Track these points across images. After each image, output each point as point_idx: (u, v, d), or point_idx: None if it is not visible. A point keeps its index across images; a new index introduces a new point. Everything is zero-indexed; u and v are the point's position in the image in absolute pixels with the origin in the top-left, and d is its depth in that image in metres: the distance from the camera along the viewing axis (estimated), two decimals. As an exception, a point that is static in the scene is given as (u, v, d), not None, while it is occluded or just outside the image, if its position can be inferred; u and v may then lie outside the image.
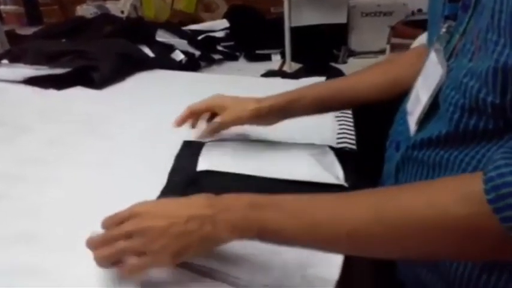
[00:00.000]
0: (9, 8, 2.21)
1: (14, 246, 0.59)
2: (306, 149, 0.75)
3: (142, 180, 0.72)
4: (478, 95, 0.42)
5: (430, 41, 0.62)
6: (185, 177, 0.69)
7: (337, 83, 0.76)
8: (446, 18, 0.53)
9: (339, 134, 0.85)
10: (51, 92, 1.17)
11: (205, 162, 0.71)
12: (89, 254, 0.56)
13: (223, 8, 2.09)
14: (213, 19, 1.94)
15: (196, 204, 0.46)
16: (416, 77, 0.59)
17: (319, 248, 0.45)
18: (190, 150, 0.76)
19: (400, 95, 0.66)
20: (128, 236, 0.45)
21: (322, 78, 1.23)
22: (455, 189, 0.38)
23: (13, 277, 0.53)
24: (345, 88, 0.74)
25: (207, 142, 0.78)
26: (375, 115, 0.73)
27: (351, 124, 0.87)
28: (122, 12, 1.96)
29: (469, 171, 0.44)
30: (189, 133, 0.81)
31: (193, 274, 0.51)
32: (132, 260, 0.45)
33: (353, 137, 0.84)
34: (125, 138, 0.90)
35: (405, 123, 0.59)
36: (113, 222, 0.48)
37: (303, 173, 0.67)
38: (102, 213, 0.64)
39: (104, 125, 0.97)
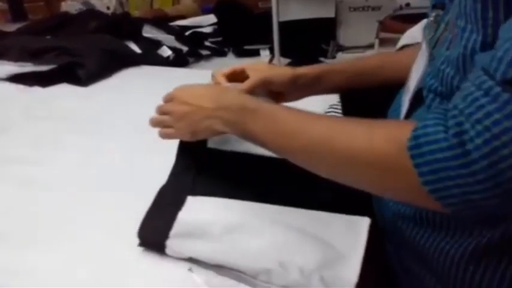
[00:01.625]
0: (-7, 4, 2.17)
1: None
2: None
3: (132, 177, 0.71)
4: (452, 81, 0.43)
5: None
6: (193, 158, 0.66)
7: (376, 59, 0.76)
8: (434, 7, 0.54)
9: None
10: (36, 90, 1.14)
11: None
12: (75, 254, 0.56)
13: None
14: (179, 11, 1.91)
15: (208, 97, 0.57)
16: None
17: (284, 155, 0.51)
18: None
19: None
20: (165, 113, 0.62)
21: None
22: (387, 130, 0.43)
23: None
24: (388, 63, 0.72)
25: None
26: (366, 108, 0.72)
27: (339, 108, 0.86)
28: (108, 8, 1.93)
29: None
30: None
31: (211, 272, 0.51)
32: (164, 130, 0.63)
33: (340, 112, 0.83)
34: (112, 136, 0.88)
35: (398, 114, 0.59)
36: (164, 99, 0.65)
37: None
38: (88, 212, 0.64)
39: (91, 123, 0.95)
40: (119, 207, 0.64)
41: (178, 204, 0.56)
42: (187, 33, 1.62)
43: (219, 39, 1.69)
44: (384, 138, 0.42)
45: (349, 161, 0.44)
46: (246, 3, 1.91)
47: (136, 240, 0.54)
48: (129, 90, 1.16)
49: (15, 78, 1.18)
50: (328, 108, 0.84)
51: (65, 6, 2.03)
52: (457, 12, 0.42)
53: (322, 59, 1.50)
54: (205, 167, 0.65)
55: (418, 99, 0.52)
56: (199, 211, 0.56)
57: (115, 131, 0.91)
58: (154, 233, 0.54)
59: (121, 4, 1.98)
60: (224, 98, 0.56)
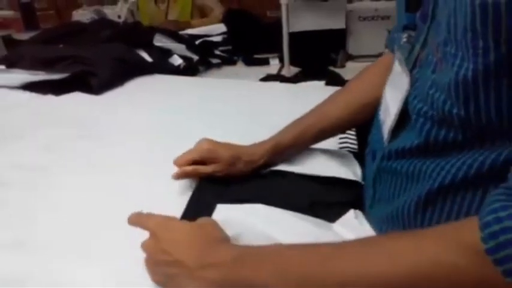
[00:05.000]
0: (6, 13, 2.20)
1: (6, 253, 0.58)
2: (322, 149, 0.75)
3: (142, 186, 0.72)
4: (444, 106, 0.42)
5: (391, 47, 0.64)
6: None
7: (305, 120, 0.72)
8: (405, 27, 0.53)
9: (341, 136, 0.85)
10: (49, 98, 1.16)
11: None
12: (84, 261, 0.56)
13: (218, 10, 2.08)
14: (205, 25, 1.93)
15: (191, 249, 0.47)
16: (384, 85, 0.59)
17: None
18: None
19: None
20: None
21: (321, 83, 1.23)
22: (446, 236, 0.35)
23: (4, 286, 0.52)
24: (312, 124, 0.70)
25: None
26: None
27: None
28: (119, 17, 1.96)
29: (439, 181, 0.44)
30: (191, 138, 0.80)
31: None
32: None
33: (354, 137, 0.84)
34: (123, 143, 0.89)
35: (379, 132, 0.58)
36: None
37: (320, 168, 0.67)
38: (97, 221, 0.64)
39: (102, 131, 0.96)
40: (128, 212, 0.64)
41: (209, 211, 0.58)
42: (197, 42, 1.63)
43: (229, 47, 1.70)
44: (444, 246, 0.34)
45: (406, 284, 0.35)
46: (254, 12, 1.92)
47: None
48: (142, 98, 1.17)
49: (29, 87, 1.20)
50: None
51: (76, 15, 2.06)
52: (445, 38, 0.41)
53: (331, 68, 1.50)
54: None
55: (400, 121, 0.52)
56: (230, 217, 0.56)
57: (126, 138, 0.92)
58: None
59: (132, 13, 2.01)
60: (213, 252, 0.45)
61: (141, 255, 0.52)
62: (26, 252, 0.58)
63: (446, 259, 0.33)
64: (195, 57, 1.53)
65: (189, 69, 1.48)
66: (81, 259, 0.56)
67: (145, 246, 0.50)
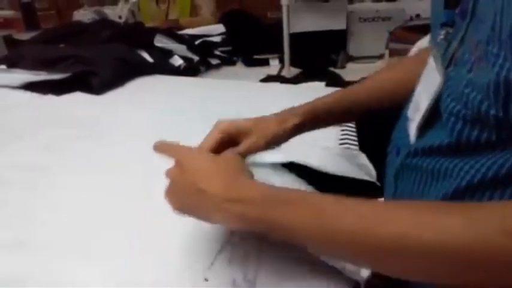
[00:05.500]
0: (7, 13, 2.20)
1: (6, 253, 0.58)
2: (337, 150, 0.75)
3: (142, 186, 0.72)
4: (480, 106, 0.41)
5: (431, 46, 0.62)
6: None
7: (341, 93, 0.72)
8: (444, 24, 0.52)
9: (342, 135, 0.85)
10: (50, 98, 1.16)
11: None
12: (84, 261, 0.56)
13: (207, 8, 2.08)
14: (195, 23, 1.93)
15: (218, 180, 0.47)
16: (417, 82, 0.59)
17: (335, 255, 0.43)
18: None
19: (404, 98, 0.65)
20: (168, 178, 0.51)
21: (322, 84, 1.23)
22: (496, 216, 0.36)
23: (4, 286, 0.52)
24: (350, 97, 0.70)
25: None
26: (379, 119, 0.72)
27: (353, 127, 0.87)
28: (120, 17, 1.96)
29: (468, 180, 0.44)
30: (192, 138, 0.80)
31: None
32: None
33: (355, 138, 0.84)
34: (124, 143, 0.89)
35: (405, 129, 0.58)
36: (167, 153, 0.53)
37: (335, 168, 0.67)
38: (97, 221, 0.64)
39: (103, 131, 0.96)
40: (128, 213, 0.64)
41: None
42: (196, 42, 1.63)
43: (229, 48, 1.70)
44: (495, 227, 0.35)
45: (451, 257, 0.36)
46: (255, 13, 1.92)
47: (146, 245, 0.54)
48: (142, 99, 1.17)
49: (30, 87, 1.20)
50: (342, 126, 0.85)
51: (77, 16, 2.06)
52: (488, 36, 0.40)
53: (332, 68, 1.50)
54: None
55: (429, 119, 0.51)
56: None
57: (127, 138, 0.92)
58: None
59: (132, 13, 2.01)
60: (241, 187, 0.46)
61: (141, 255, 0.52)
62: (26, 252, 0.58)
63: (497, 241, 0.34)
64: (196, 58, 1.53)
65: (190, 70, 1.48)
66: (81, 259, 0.56)
67: (170, 173, 0.50)
